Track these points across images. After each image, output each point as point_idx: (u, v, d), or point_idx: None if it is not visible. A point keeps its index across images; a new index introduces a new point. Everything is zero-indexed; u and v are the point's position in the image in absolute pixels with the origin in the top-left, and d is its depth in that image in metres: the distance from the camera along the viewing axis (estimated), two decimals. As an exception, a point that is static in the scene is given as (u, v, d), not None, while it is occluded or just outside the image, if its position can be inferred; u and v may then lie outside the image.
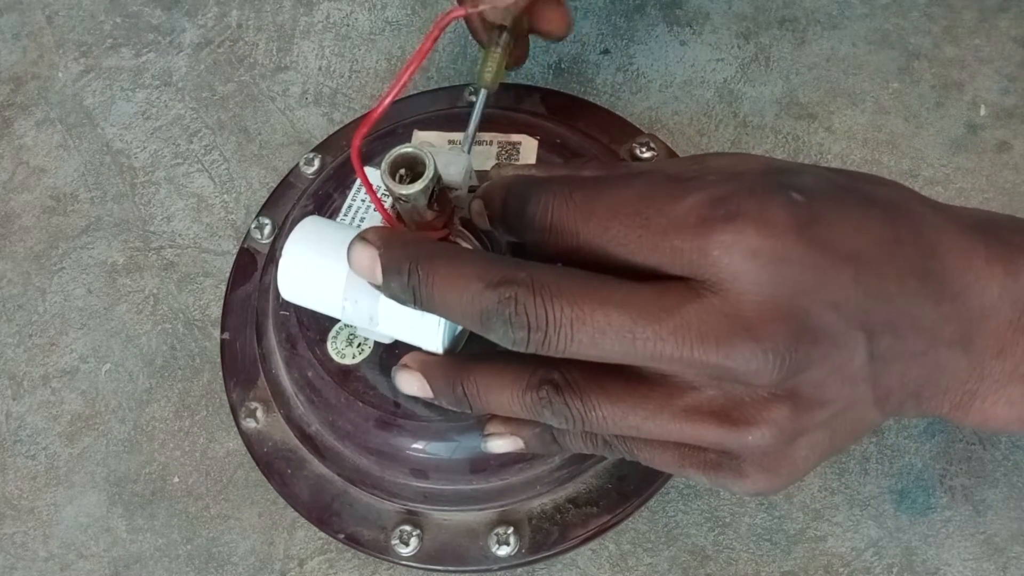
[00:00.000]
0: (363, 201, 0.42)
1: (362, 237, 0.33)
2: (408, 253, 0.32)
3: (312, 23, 0.55)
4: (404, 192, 0.33)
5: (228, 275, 0.47)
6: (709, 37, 0.52)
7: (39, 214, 0.51)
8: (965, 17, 0.51)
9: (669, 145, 0.47)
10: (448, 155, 0.38)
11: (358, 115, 0.51)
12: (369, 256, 0.32)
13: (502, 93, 0.42)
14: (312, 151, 0.49)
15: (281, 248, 0.36)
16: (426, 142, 0.45)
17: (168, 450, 0.44)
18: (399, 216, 0.35)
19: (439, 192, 0.34)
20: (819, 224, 0.29)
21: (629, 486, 0.40)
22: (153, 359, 0.46)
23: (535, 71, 0.52)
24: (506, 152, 0.44)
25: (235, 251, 0.48)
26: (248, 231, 0.47)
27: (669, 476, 0.40)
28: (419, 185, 0.32)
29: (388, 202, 0.34)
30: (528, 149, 0.44)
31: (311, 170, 0.48)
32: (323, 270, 0.35)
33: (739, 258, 0.28)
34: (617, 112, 0.49)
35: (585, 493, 0.40)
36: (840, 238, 0.29)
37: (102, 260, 0.49)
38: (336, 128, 0.51)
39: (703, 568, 0.40)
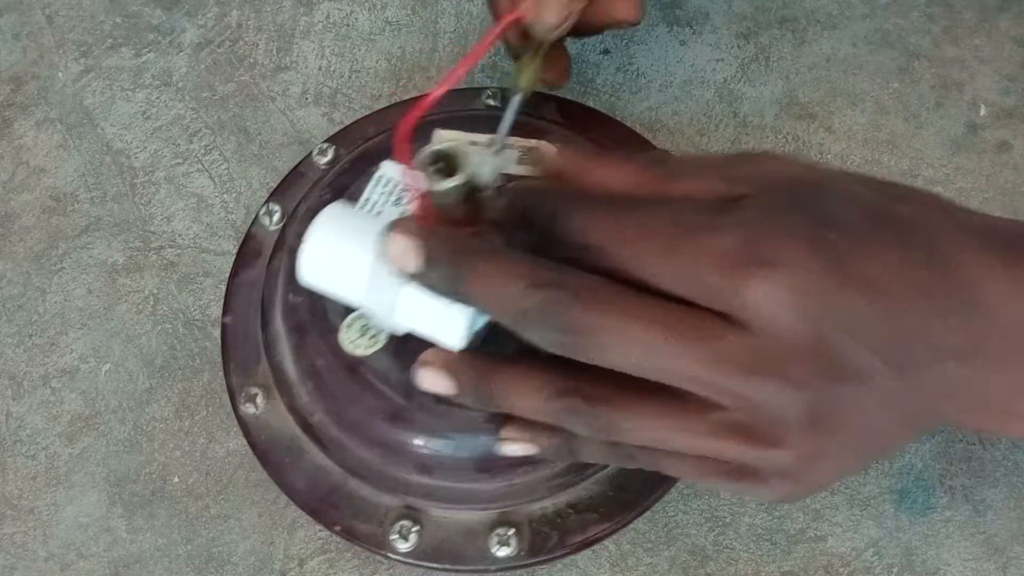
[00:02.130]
0: (382, 194, 0.41)
1: (401, 225, 0.33)
2: (452, 246, 0.32)
3: (312, 23, 0.55)
4: (440, 188, 0.33)
5: (228, 274, 0.47)
6: (709, 37, 0.52)
7: (39, 214, 0.51)
8: (965, 17, 0.51)
9: (669, 146, 0.47)
10: (481, 155, 0.38)
11: (359, 115, 0.51)
12: (408, 246, 0.32)
13: None
14: (326, 141, 0.49)
15: (304, 232, 0.36)
16: (460, 140, 0.45)
17: (168, 450, 0.44)
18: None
19: (471, 191, 0.34)
20: (852, 265, 0.29)
21: (629, 494, 0.40)
22: (153, 359, 0.46)
23: (535, 71, 0.52)
24: (526, 156, 0.44)
25: (235, 251, 0.48)
26: (256, 216, 0.47)
27: (669, 486, 0.40)
28: (455, 181, 0.33)
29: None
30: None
31: (324, 160, 0.48)
32: (347, 257, 0.35)
33: (774, 305, 0.28)
34: (616, 113, 0.49)
35: (586, 499, 0.40)
36: (872, 275, 0.29)
37: (102, 260, 0.49)
38: (337, 128, 0.51)
39: (703, 568, 0.40)
